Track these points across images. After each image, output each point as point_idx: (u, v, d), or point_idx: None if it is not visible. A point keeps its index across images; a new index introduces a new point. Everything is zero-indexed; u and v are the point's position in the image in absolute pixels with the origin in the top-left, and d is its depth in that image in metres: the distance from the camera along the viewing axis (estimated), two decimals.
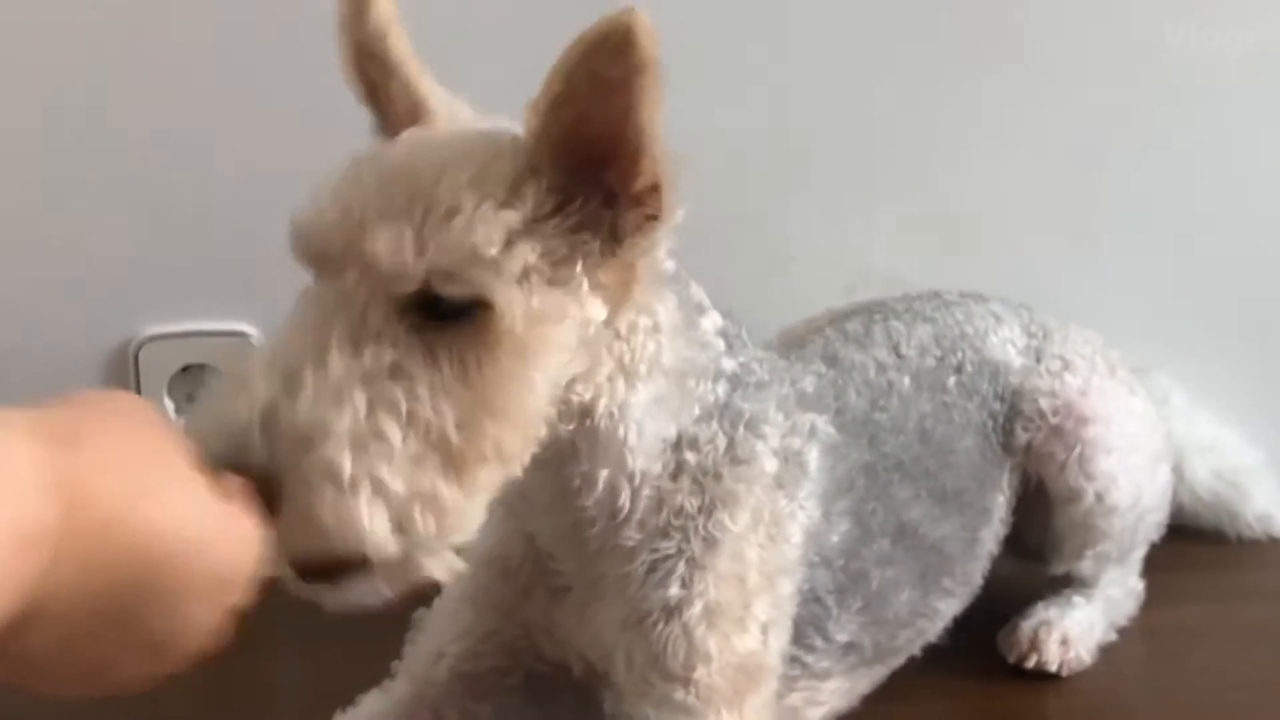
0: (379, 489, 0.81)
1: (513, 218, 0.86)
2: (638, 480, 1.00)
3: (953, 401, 1.24)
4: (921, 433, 1.21)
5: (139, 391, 1.49)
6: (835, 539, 1.12)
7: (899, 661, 1.24)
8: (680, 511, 1.01)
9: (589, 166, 0.88)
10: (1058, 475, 1.29)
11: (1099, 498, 1.29)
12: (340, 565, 0.82)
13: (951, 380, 1.25)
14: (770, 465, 1.05)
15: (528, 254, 0.86)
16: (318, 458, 0.79)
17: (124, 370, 1.51)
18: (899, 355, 1.24)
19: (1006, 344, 1.30)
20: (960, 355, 1.27)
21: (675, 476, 1.01)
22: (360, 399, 0.81)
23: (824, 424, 1.12)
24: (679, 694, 1.01)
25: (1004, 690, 1.29)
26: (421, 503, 0.82)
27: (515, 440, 0.88)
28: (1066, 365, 1.30)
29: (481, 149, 0.89)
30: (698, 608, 1.01)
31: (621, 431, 0.97)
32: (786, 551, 1.06)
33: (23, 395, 0.66)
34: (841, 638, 1.15)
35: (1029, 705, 1.29)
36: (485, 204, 0.86)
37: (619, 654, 1.02)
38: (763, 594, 1.04)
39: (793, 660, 1.12)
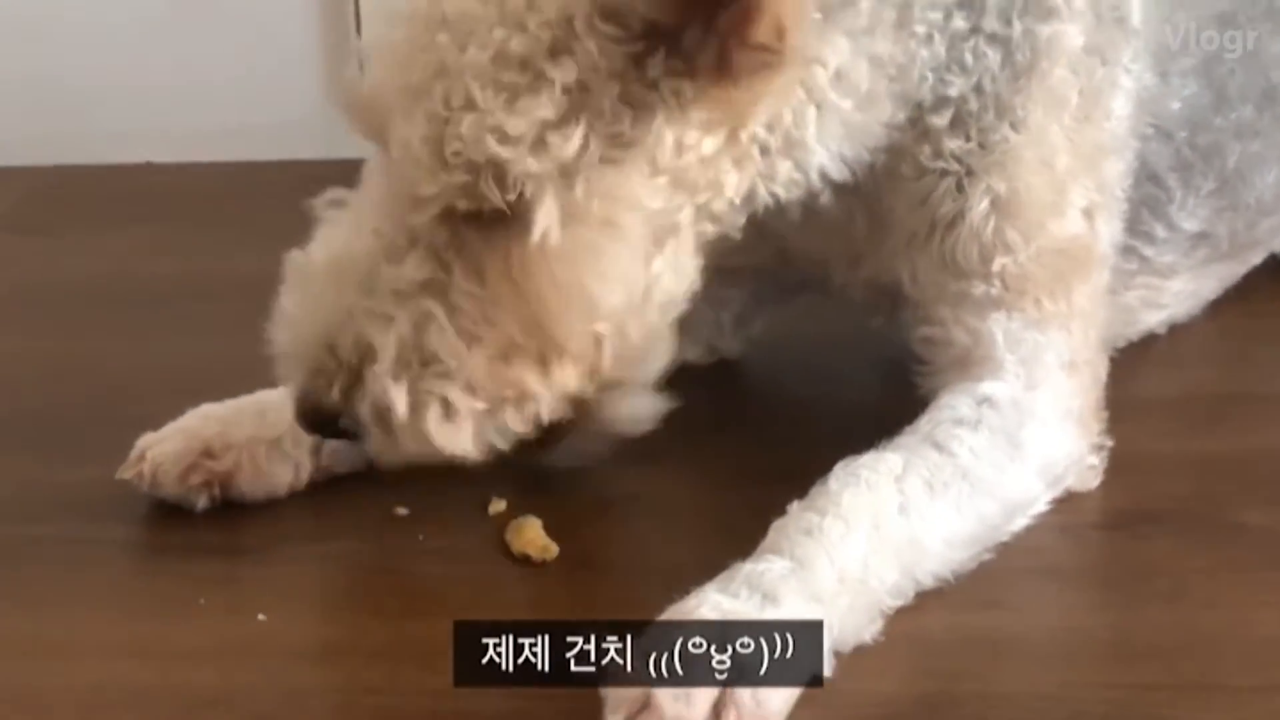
0: (447, 408, 0.82)
1: (542, 106, 0.78)
2: (870, 183, 0.91)
3: None
4: None
5: None
6: (1176, 105, 1.01)
7: (1257, 259, 1.14)
8: (940, 154, 0.91)
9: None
10: None
11: None
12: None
13: None
14: (1074, 39, 0.91)
15: (566, 144, 0.78)
16: (373, 389, 0.82)
17: None
18: None
19: None
20: None
21: (920, 140, 0.91)
22: (405, 320, 0.81)
23: None
24: (978, 288, 0.92)
25: None
26: (513, 404, 0.83)
27: (604, 330, 0.83)
28: None
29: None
30: (982, 206, 0.91)
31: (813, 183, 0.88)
32: (1108, 128, 0.94)
33: None
34: (1189, 226, 1.04)
35: None
36: (502, 95, 0.78)
37: (904, 273, 0.95)
38: (1080, 176, 0.93)
39: (1128, 252, 1.02)
